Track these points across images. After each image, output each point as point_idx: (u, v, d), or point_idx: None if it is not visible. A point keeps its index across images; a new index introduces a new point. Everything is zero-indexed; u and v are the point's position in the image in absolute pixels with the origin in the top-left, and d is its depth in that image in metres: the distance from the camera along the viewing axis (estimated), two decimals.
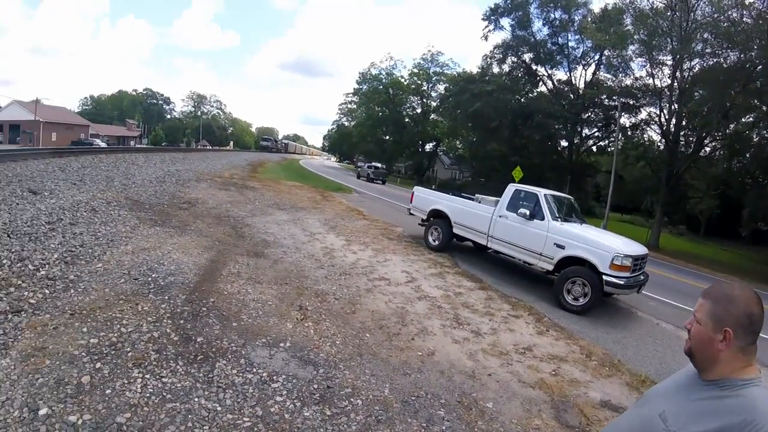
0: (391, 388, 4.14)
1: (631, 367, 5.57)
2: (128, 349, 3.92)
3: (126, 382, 3.44)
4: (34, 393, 3.12)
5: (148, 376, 3.58)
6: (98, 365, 3.57)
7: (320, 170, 47.18)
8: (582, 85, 37.10)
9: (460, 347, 5.32)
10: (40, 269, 5.24)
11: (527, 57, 39.99)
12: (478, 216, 9.76)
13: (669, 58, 24.91)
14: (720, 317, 1.35)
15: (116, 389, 3.33)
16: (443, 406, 3.97)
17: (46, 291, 4.79)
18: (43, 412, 2.96)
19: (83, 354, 3.69)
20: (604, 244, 7.53)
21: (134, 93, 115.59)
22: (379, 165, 45.44)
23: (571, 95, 37.36)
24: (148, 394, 3.35)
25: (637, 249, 7.98)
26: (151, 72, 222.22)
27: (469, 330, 5.91)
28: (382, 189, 33.27)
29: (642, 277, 7.87)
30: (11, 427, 2.80)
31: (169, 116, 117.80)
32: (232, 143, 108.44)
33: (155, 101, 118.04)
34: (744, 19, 20.60)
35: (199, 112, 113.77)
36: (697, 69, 24.13)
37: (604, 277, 7.22)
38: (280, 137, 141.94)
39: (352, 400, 3.84)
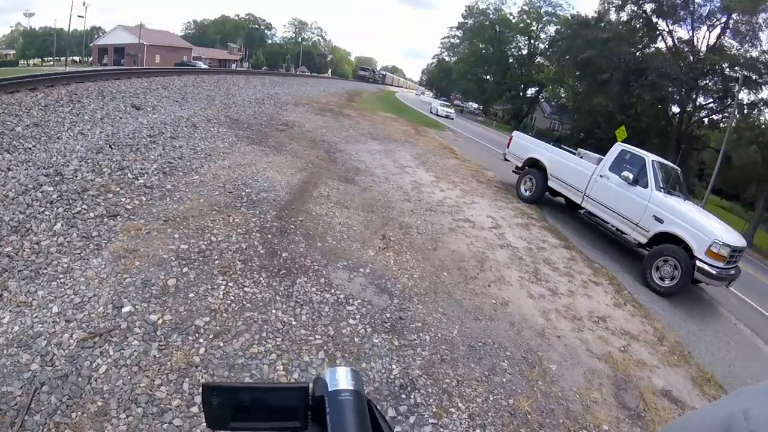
0: (460, 331, 4.06)
1: (699, 362, 5.10)
2: (216, 257, 4.06)
3: (210, 287, 3.55)
4: (120, 291, 3.28)
5: (231, 284, 3.69)
6: (185, 270, 3.72)
7: (416, 104, 46.33)
8: (704, 48, 32.70)
9: (535, 303, 5.13)
10: (139, 178, 5.47)
11: (648, 7, 35.16)
12: (577, 172, 9.09)
13: None
14: None
15: (199, 293, 3.45)
16: (508, 359, 3.86)
17: (143, 198, 5.02)
18: (126, 309, 3.11)
19: (172, 258, 3.85)
20: (705, 227, 6.85)
21: (236, 18, 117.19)
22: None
23: (691, 57, 32.92)
24: (228, 301, 3.45)
25: (737, 239, 7.21)
26: None
27: (546, 287, 5.66)
28: (477, 131, 32.28)
29: (733, 272, 7.09)
30: (94, 321, 2.96)
31: (270, 41, 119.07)
32: (330, 71, 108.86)
33: (257, 26, 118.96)
34: None
35: (300, 39, 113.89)
36: None
37: (698, 262, 6.60)
38: (378, 68, 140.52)
39: (421, 334, 3.81)
